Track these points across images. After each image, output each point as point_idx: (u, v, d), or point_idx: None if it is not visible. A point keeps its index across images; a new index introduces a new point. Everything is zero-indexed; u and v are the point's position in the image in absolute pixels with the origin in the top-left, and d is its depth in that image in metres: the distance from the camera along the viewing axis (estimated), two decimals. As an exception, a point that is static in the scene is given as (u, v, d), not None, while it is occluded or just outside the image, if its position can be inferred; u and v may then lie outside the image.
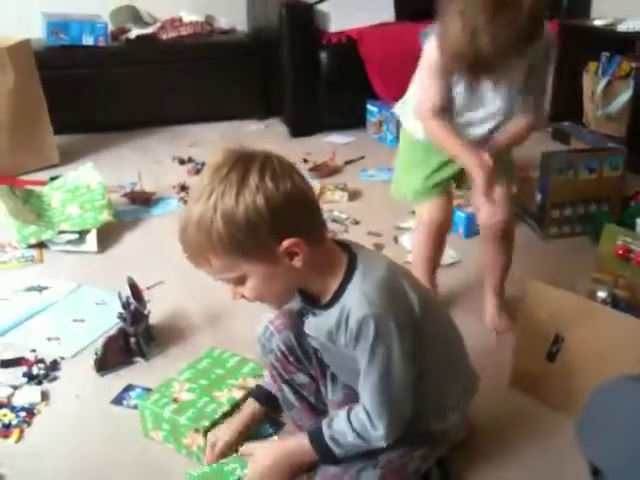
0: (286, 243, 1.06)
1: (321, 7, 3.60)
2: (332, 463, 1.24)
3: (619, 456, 0.93)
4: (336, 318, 1.15)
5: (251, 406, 1.44)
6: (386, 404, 1.17)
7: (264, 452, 1.29)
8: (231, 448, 1.37)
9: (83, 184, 2.63)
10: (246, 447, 1.34)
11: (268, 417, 1.47)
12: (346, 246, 1.20)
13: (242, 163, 1.05)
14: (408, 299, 1.18)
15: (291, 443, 1.30)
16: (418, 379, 1.20)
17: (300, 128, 3.70)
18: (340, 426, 1.21)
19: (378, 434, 1.18)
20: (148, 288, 2.01)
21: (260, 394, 1.45)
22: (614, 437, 0.93)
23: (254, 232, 1.04)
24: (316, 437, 1.24)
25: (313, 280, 1.16)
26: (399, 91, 3.58)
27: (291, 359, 1.34)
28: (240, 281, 1.11)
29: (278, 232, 1.06)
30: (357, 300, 1.11)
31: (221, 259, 1.06)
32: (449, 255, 2.29)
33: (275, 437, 1.39)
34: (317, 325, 1.21)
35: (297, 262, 1.09)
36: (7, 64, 3.07)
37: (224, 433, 1.39)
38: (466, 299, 1.96)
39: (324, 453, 1.23)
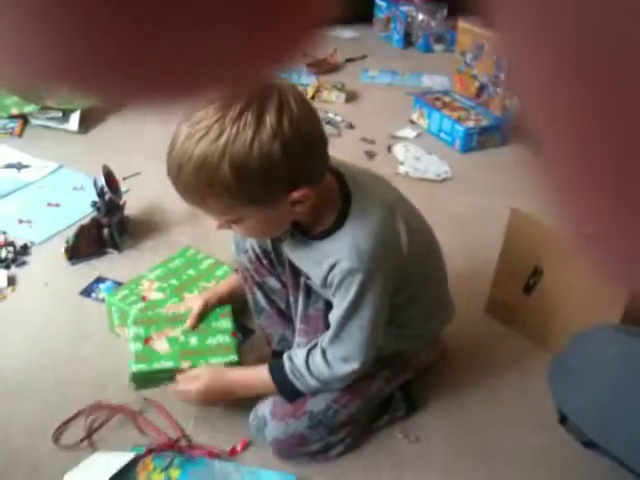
0: (296, 194, 0.97)
1: None
2: (294, 397, 1.19)
3: (590, 407, 0.90)
4: (319, 255, 1.08)
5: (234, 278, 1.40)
6: (361, 345, 1.11)
7: (210, 376, 1.22)
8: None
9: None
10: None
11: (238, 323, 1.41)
12: (340, 176, 1.10)
13: (258, 100, 0.92)
14: (400, 247, 1.09)
15: (248, 375, 1.24)
16: (397, 310, 1.16)
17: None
18: (301, 369, 1.16)
19: (347, 368, 1.12)
20: (124, 179, 1.93)
21: None
22: (587, 387, 0.89)
23: (265, 182, 0.94)
24: (277, 371, 1.18)
25: (306, 218, 1.08)
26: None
27: (265, 262, 1.28)
28: (234, 221, 1.03)
29: (291, 182, 0.97)
30: (347, 251, 1.04)
31: (220, 204, 0.97)
32: (442, 170, 2.21)
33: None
34: (295, 248, 1.15)
35: (300, 209, 1.01)
36: None
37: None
38: (454, 218, 1.89)
39: (286, 390, 1.18)
